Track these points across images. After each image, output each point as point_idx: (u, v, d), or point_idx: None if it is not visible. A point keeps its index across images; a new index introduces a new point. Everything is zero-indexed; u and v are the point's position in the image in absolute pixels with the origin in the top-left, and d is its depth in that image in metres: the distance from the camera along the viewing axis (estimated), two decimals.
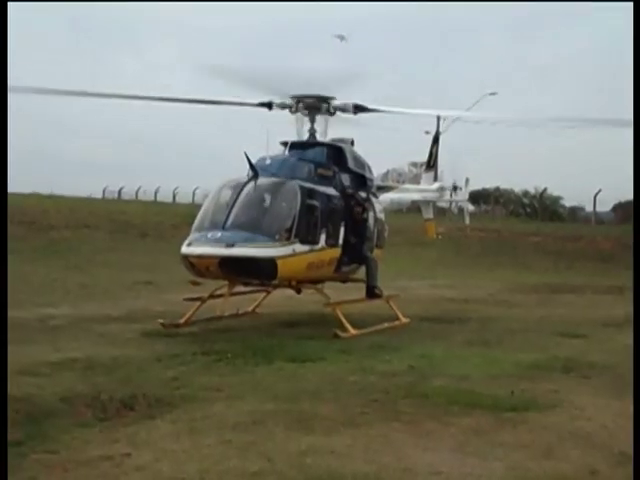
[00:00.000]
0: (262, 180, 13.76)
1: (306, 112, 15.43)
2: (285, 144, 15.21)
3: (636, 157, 9.79)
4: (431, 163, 20.26)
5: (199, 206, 15.07)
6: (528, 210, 59.30)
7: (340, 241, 14.63)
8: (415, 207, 23.05)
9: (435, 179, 20.69)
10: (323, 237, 14.08)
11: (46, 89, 15.00)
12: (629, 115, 11.50)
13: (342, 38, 41.51)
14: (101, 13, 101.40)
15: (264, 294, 16.27)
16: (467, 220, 25.01)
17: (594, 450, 7.29)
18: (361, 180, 15.97)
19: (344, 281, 15.86)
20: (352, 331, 13.60)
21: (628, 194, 40.02)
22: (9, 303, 11.05)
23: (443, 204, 44.02)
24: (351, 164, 15.72)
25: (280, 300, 16.99)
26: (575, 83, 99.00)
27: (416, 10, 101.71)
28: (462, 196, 21.55)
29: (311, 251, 13.76)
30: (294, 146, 15.09)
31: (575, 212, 57.41)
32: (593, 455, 7.13)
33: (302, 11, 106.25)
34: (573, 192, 48.58)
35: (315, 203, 13.96)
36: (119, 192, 61.49)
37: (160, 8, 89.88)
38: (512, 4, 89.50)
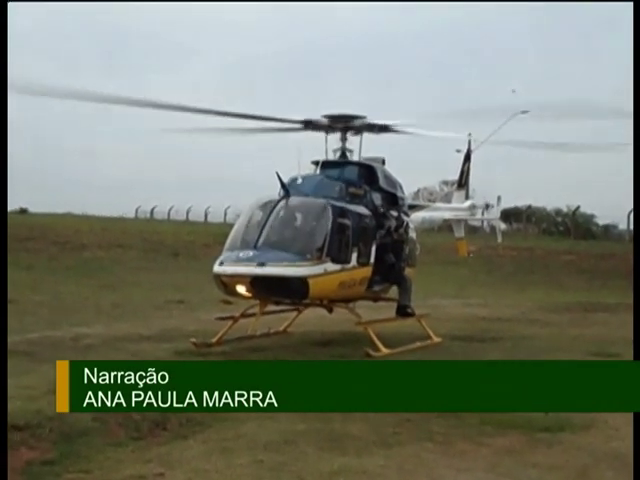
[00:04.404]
0: (293, 199, 13.79)
1: (338, 131, 15.48)
2: (316, 163, 15.24)
3: (636, 166, 9.68)
4: (462, 181, 20.23)
5: (231, 225, 15.11)
6: (561, 228, 58.72)
7: (372, 260, 14.58)
8: (446, 226, 22.96)
9: (466, 197, 20.63)
10: (354, 256, 14.04)
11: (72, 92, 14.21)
12: None
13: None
14: (131, 30, 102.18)
15: (296, 313, 16.26)
16: (499, 238, 24.90)
17: (629, 471, 7.19)
18: (392, 199, 15.93)
19: (375, 300, 15.83)
20: (384, 350, 13.54)
21: None
22: (43, 323, 11.14)
23: (475, 222, 44.06)
24: (382, 183, 15.70)
25: (312, 319, 16.96)
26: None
27: (445, 25, 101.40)
28: (494, 214, 21.57)
29: (343, 270, 13.73)
30: (325, 165, 15.11)
31: (609, 230, 56.82)
32: (628, 476, 7.04)
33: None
34: (607, 210, 48.15)
35: (346, 222, 13.93)
36: (151, 212, 61.88)
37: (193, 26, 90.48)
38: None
